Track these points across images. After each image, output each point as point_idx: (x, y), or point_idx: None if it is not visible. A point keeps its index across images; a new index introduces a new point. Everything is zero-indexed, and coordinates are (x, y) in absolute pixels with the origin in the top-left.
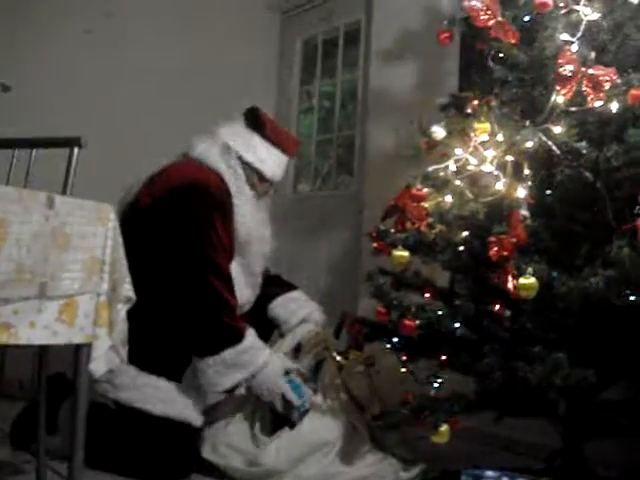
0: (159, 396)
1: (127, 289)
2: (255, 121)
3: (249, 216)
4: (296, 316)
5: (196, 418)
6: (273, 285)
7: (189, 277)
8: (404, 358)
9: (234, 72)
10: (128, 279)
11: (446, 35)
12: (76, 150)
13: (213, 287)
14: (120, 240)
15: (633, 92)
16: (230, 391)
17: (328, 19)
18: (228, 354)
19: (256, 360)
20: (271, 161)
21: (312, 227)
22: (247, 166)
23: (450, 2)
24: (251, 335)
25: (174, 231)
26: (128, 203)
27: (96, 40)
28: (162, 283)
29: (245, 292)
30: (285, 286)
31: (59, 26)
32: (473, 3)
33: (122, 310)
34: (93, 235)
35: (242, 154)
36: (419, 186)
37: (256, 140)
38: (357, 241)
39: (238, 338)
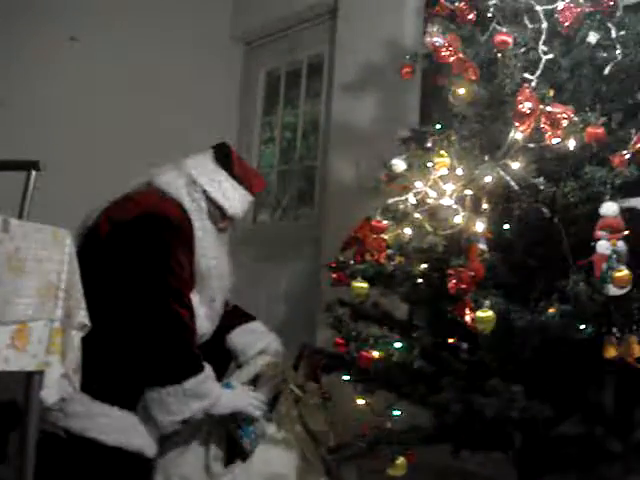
0: (113, 425)
1: (82, 316)
2: (224, 158)
3: (210, 250)
4: (254, 347)
5: (150, 448)
6: (231, 316)
7: (151, 304)
8: (361, 390)
9: (197, 102)
10: (83, 306)
11: (408, 70)
12: (34, 173)
13: (177, 314)
14: (76, 266)
15: (590, 130)
16: (185, 422)
17: (292, 51)
18: (189, 383)
19: (214, 390)
20: (236, 199)
21: (271, 257)
22: (211, 202)
23: (412, 37)
24: (207, 365)
25: (133, 258)
26: (87, 228)
27: (59, 65)
28: (119, 310)
29: (204, 324)
30: (244, 317)
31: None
32: (435, 40)
33: (76, 337)
34: (49, 260)
35: (207, 189)
36: (379, 218)
37: (223, 177)
38: (316, 272)
39: (200, 367)
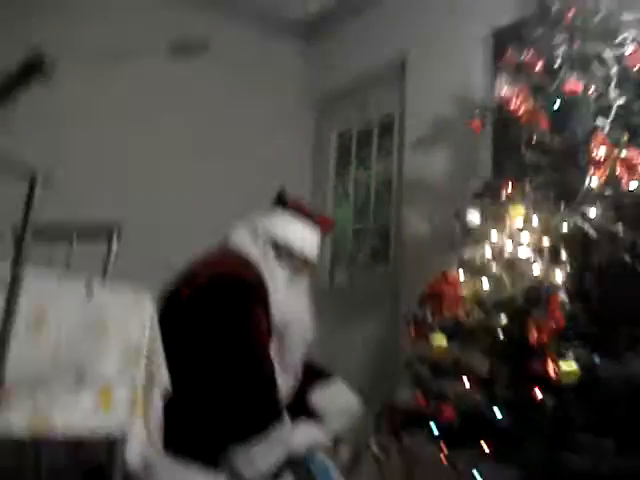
0: None
1: (163, 380)
2: (282, 200)
3: (283, 297)
4: (335, 406)
5: None
6: (312, 374)
7: (236, 363)
8: (443, 447)
9: (270, 163)
10: (164, 371)
11: (478, 123)
12: (115, 236)
13: (260, 369)
14: (157, 330)
15: None
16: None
17: (363, 111)
18: (274, 433)
19: (290, 432)
20: (300, 236)
21: (350, 316)
22: (276, 244)
23: (481, 90)
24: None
25: (213, 322)
26: (169, 292)
27: (136, 126)
28: (201, 374)
29: (284, 378)
30: (324, 374)
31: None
32: (505, 92)
33: (157, 400)
34: (131, 323)
35: (270, 232)
36: (455, 272)
37: (283, 217)
38: (395, 329)
39: (281, 414)
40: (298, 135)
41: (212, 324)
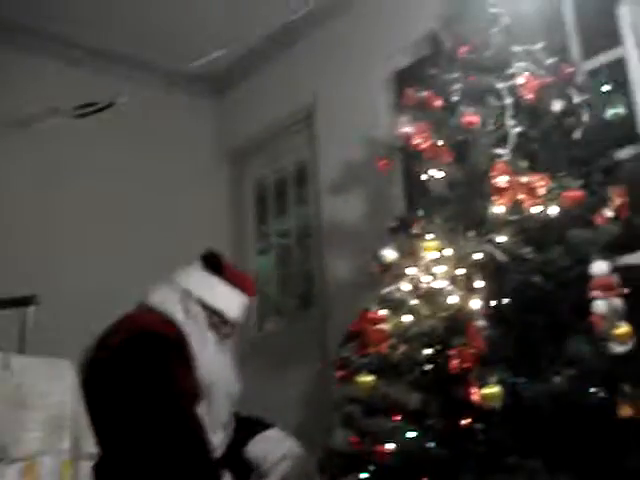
0: None
1: (89, 445)
2: (214, 264)
3: (211, 360)
4: (275, 453)
5: None
6: (246, 426)
7: (162, 422)
8: None
9: (186, 219)
10: (90, 435)
11: (385, 163)
12: (32, 308)
13: (189, 429)
14: (80, 396)
15: (567, 194)
16: None
17: (276, 160)
18: None
19: None
20: (232, 303)
21: (281, 363)
22: (208, 309)
23: (387, 131)
24: (227, 473)
25: (136, 379)
26: (88, 358)
27: (51, 195)
28: (128, 435)
29: (215, 436)
30: (259, 425)
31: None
32: (406, 129)
33: (85, 466)
34: (51, 393)
35: (202, 298)
36: (375, 309)
37: (216, 283)
38: (326, 372)
39: (218, 473)
40: (213, 189)
41: (133, 383)
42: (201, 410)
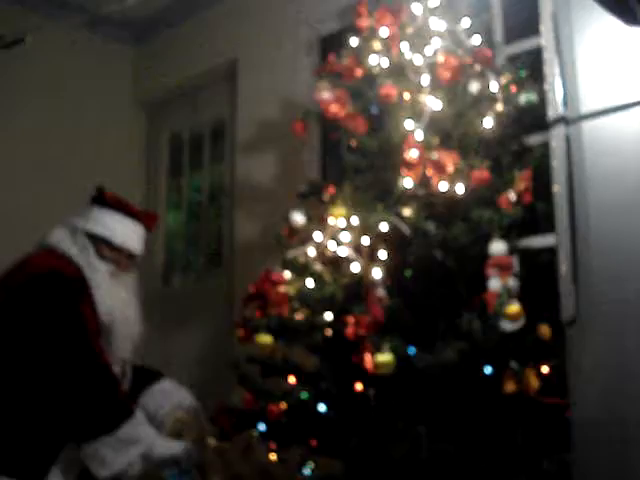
0: None
1: None
2: (99, 197)
3: (107, 293)
4: (170, 402)
5: None
6: (140, 377)
7: (71, 362)
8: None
9: (102, 166)
10: None
11: (301, 127)
12: None
13: (99, 364)
14: None
15: (475, 174)
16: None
17: (194, 115)
18: (123, 429)
19: (149, 433)
20: (119, 228)
21: (185, 319)
22: (94, 238)
23: (307, 95)
24: (138, 410)
25: (42, 320)
26: None
27: None
28: (32, 378)
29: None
30: (152, 376)
31: None
32: (324, 95)
33: None
34: None
35: (86, 227)
36: (279, 270)
37: (101, 212)
38: (230, 331)
39: (130, 412)
40: (128, 138)
41: (39, 323)
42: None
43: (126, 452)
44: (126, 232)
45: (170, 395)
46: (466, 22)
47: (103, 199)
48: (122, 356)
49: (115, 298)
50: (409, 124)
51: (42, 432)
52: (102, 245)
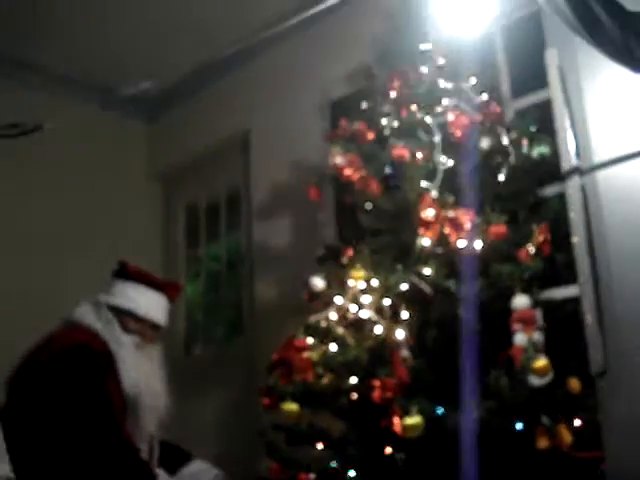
0: None
1: (6, 470)
2: (122, 270)
3: (132, 366)
4: None
5: None
6: (171, 456)
7: (94, 438)
8: None
9: (119, 244)
10: (6, 459)
11: (315, 191)
12: None
13: (122, 440)
14: None
15: (492, 229)
16: None
17: (209, 186)
18: None
19: None
20: (143, 300)
21: (207, 389)
22: (118, 311)
23: (320, 160)
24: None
25: (65, 394)
26: (12, 377)
27: None
28: (58, 452)
29: (140, 448)
30: (184, 457)
31: None
32: (337, 160)
33: None
34: None
35: (110, 301)
36: (302, 336)
37: (124, 285)
38: (252, 399)
39: (154, 476)
40: (145, 213)
41: (65, 398)
42: (127, 422)
43: None
44: (150, 303)
45: (203, 476)
46: (473, 80)
47: (125, 272)
48: (149, 429)
49: (141, 371)
50: (424, 183)
51: None
52: (126, 318)
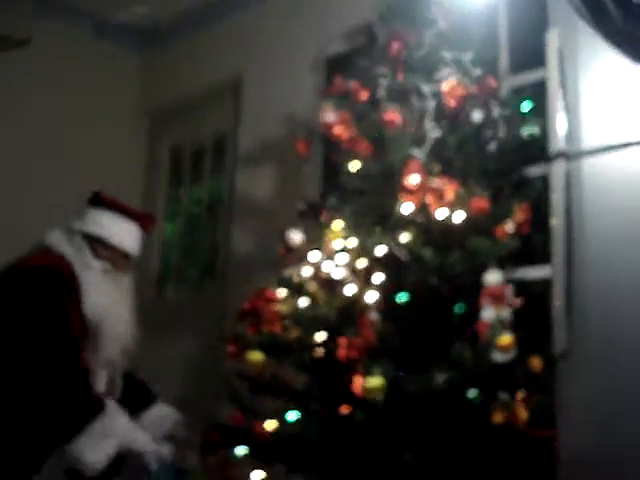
0: None
1: None
2: (96, 199)
3: (98, 291)
4: (162, 432)
5: None
6: (136, 395)
7: (44, 358)
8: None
9: (101, 171)
10: None
11: (304, 145)
12: None
13: (72, 363)
14: None
15: (474, 203)
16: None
17: (196, 128)
18: (96, 426)
19: (122, 426)
20: (115, 228)
21: (175, 332)
22: (90, 238)
23: (311, 115)
24: (110, 401)
25: (25, 313)
26: None
27: None
28: (11, 371)
29: (101, 374)
30: (148, 397)
31: None
32: (329, 117)
33: None
34: None
35: (82, 228)
36: (274, 289)
37: (97, 213)
38: (220, 346)
39: (102, 407)
40: (130, 148)
41: (23, 316)
42: (89, 346)
43: (101, 448)
44: (123, 232)
45: (164, 423)
46: (472, 52)
47: (99, 200)
48: (110, 357)
49: (107, 296)
50: (411, 150)
51: (25, 433)
52: (98, 245)
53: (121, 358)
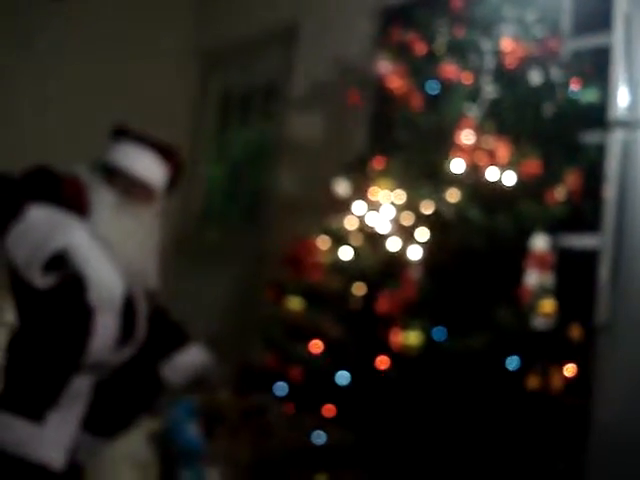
0: (12, 436)
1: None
2: (119, 131)
3: (106, 220)
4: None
5: (56, 460)
6: (164, 335)
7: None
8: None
9: (148, 110)
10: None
11: (356, 95)
12: None
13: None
14: None
15: (526, 166)
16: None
17: (249, 72)
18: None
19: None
20: (133, 157)
21: (215, 273)
22: (106, 166)
23: (365, 65)
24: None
25: None
26: None
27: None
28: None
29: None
30: (178, 338)
31: None
32: (384, 68)
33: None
34: None
35: (103, 160)
36: (317, 238)
37: (119, 146)
38: (259, 290)
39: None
40: (179, 88)
41: None
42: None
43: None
44: (142, 162)
45: (194, 369)
46: (535, 11)
47: (121, 133)
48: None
49: (114, 228)
50: (466, 107)
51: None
52: (115, 176)
53: (140, 299)
